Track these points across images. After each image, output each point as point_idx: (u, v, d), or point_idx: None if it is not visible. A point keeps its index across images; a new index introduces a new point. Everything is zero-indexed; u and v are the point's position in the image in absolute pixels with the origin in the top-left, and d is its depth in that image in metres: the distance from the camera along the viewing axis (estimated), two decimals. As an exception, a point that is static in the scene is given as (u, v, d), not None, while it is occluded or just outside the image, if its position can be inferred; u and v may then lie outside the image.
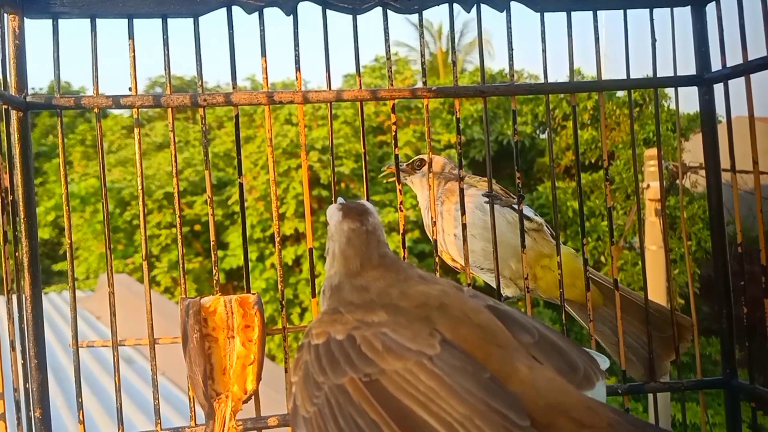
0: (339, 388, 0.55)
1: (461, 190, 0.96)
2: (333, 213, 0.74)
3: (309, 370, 0.59)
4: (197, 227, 8.86)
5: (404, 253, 0.92)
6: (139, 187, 0.89)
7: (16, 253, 0.82)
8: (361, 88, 0.94)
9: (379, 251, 0.70)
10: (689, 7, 1.02)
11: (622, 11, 0.99)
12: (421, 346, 0.56)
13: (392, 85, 0.95)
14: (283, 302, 0.93)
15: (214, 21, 0.92)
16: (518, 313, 0.67)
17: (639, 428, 0.54)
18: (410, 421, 0.51)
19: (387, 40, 0.94)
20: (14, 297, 0.78)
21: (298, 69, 0.93)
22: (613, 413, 0.53)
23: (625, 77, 1.00)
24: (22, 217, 0.84)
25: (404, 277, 0.67)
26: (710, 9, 1.01)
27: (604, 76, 1.00)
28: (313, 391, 0.57)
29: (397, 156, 0.95)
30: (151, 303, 0.89)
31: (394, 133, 0.95)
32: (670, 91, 1.11)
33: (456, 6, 0.95)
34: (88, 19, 0.89)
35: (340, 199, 0.78)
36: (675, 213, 6.42)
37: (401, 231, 0.94)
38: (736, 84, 0.93)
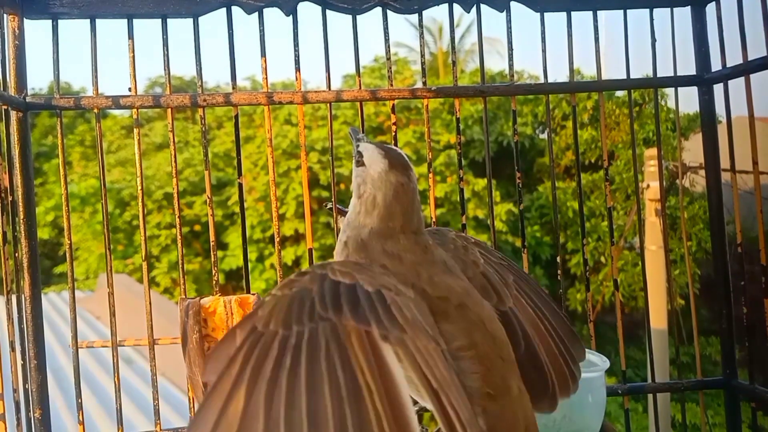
0: (336, 331, 0.45)
1: (460, 190, 0.96)
2: (375, 158, 0.65)
3: (310, 298, 0.49)
4: (197, 228, 8.86)
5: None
6: (139, 188, 0.89)
7: (16, 254, 0.82)
8: (360, 88, 0.94)
9: (418, 216, 0.66)
10: (689, 7, 1.02)
11: (622, 11, 0.99)
12: (436, 335, 0.52)
13: (392, 85, 0.95)
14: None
15: (213, 21, 0.92)
16: (520, 322, 0.66)
17: None
18: (404, 403, 0.43)
19: (387, 41, 0.94)
20: (14, 297, 0.78)
21: (297, 69, 0.93)
22: None
23: (624, 77, 1.00)
24: (22, 217, 0.84)
25: (431, 260, 0.63)
26: (710, 9, 1.01)
27: (604, 76, 1.00)
28: (300, 316, 0.47)
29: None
30: (150, 303, 0.89)
31: (394, 134, 0.95)
32: (669, 90, 1.11)
33: (456, 6, 0.95)
34: (88, 20, 0.89)
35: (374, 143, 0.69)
36: (675, 213, 6.43)
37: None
38: (736, 84, 0.93)
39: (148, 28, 0.93)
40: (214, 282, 0.89)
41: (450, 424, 0.45)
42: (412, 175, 0.66)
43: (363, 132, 0.95)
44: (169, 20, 0.91)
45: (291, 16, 0.92)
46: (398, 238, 0.63)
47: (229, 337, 0.47)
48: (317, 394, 0.42)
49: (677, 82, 1.01)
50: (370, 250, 0.62)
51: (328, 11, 0.93)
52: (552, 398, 0.62)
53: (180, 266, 0.89)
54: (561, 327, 0.68)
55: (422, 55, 0.96)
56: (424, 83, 0.96)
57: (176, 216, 0.90)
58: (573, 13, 0.98)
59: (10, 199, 0.77)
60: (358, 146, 0.68)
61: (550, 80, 0.98)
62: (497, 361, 0.57)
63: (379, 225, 0.63)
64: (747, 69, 0.91)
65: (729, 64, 0.95)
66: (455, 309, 0.58)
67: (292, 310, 0.48)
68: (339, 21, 0.95)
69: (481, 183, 7.91)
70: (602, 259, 7.65)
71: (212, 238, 0.91)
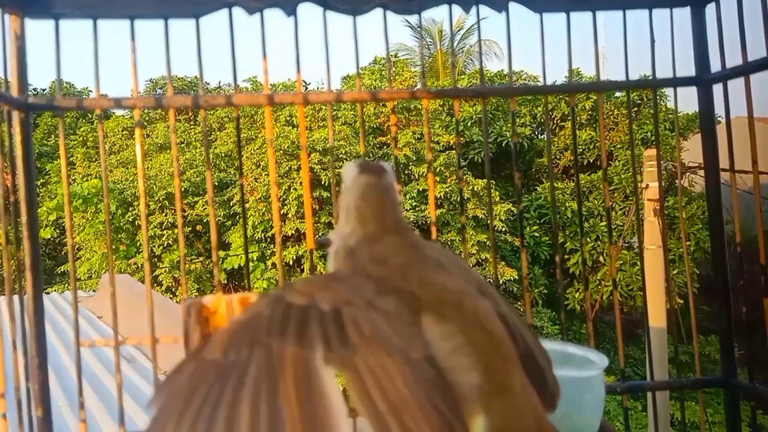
0: (269, 359, 0.44)
1: (460, 190, 0.97)
2: (350, 168, 0.69)
3: (256, 323, 0.48)
4: (199, 228, 8.87)
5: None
6: (141, 188, 0.90)
7: (18, 254, 0.83)
8: (361, 89, 0.94)
9: (394, 213, 0.66)
10: (689, 7, 1.02)
11: (621, 12, 0.99)
12: (408, 345, 0.50)
13: (392, 86, 0.96)
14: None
15: (215, 22, 0.92)
16: (514, 316, 0.65)
17: None
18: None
19: (387, 41, 0.95)
20: (16, 297, 0.79)
21: (298, 70, 0.93)
22: None
23: (624, 78, 1.00)
24: (24, 217, 0.84)
25: (422, 259, 0.62)
26: (710, 9, 1.01)
27: (603, 77, 1.00)
28: (239, 345, 0.46)
29: (396, 156, 0.96)
30: (152, 303, 0.89)
31: (394, 134, 0.96)
32: (668, 90, 1.12)
33: (456, 7, 0.96)
34: (90, 21, 0.89)
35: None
36: (674, 213, 6.43)
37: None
38: (736, 84, 0.93)
39: (149, 29, 0.93)
40: (215, 281, 0.90)
41: None
42: (384, 176, 0.67)
43: (363, 131, 0.96)
44: (170, 21, 0.91)
45: (292, 17, 0.92)
46: (386, 241, 0.63)
47: (180, 365, 0.47)
48: (234, 427, 0.40)
49: (676, 82, 1.02)
50: (357, 256, 0.62)
51: (328, 12, 0.93)
52: (551, 399, 0.61)
53: (182, 266, 0.90)
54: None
55: (422, 57, 0.97)
56: (424, 84, 0.96)
57: (178, 216, 0.90)
58: (572, 13, 0.98)
59: (12, 199, 0.78)
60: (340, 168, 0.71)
61: (549, 81, 0.99)
62: (497, 358, 0.57)
63: (363, 230, 0.64)
64: (746, 70, 0.91)
65: (728, 65, 0.95)
66: (450, 307, 0.57)
67: (236, 336, 0.47)
68: (339, 22, 0.96)
69: (480, 183, 7.91)
70: (601, 258, 7.66)
71: (214, 238, 0.92)
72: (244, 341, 0.47)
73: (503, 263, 7.83)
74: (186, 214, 8.63)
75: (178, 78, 11.58)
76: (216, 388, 0.43)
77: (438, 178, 8.12)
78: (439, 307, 0.57)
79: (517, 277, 7.55)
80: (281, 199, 8.04)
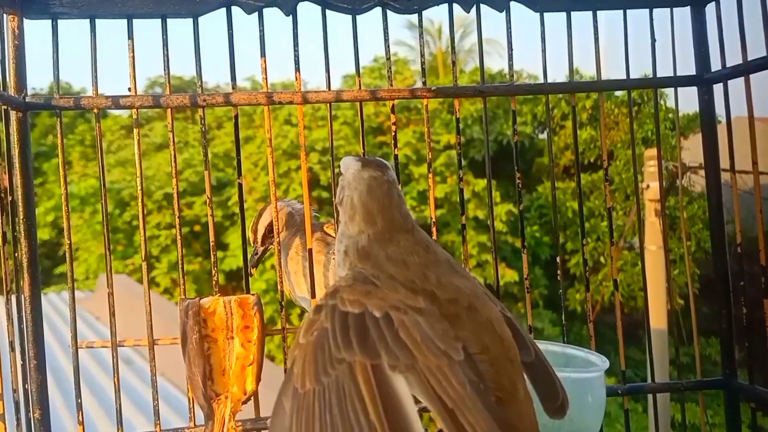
0: (352, 372, 0.48)
1: (460, 190, 0.96)
2: (350, 163, 0.68)
3: (327, 339, 0.51)
4: (197, 228, 8.86)
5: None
6: (139, 188, 0.89)
7: (16, 254, 0.82)
8: (360, 88, 0.94)
9: (401, 209, 0.65)
10: (689, 7, 1.02)
11: (621, 11, 0.99)
12: (449, 346, 0.51)
13: (392, 85, 0.95)
14: (283, 303, 0.92)
15: (213, 21, 0.92)
16: (521, 327, 0.65)
17: None
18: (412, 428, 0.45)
19: (387, 40, 0.94)
20: (13, 298, 0.78)
21: (297, 69, 0.93)
22: None
23: (624, 77, 1.00)
24: (22, 217, 0.83)
25: (435, 259, 0.62)
26: (710, 9, 1.01)
27: (603, 76, 1.00)
28: (324, 365, 0.49)
29: (396, 156, 0.95)
30: (150, 304, 0.89)
31: (393, 134, 0.95)
32: (668, 90, 1.11)
33: (456, 6, 0.95)
34: (88, 20, 0.89)
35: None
36: (674, 213, 6.43)
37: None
38: (736, 84, 0.93)
39: (147, 28, 0.93)
40: (213, 282, 0.89)
41: None
42: (387, 171, 0.67)
43: (363, 131, 0.95)
44: (168, 20, 0.91)
45: (291, 16, 0.92)
46: (398, 240, 0.63)
47: (278, 408, 0.50)
48: None
49: (677, 82, 1.01)
50: (373, 257, 0.61)
51: (327, 11, 0.93)
52: (561, 405, 0.61)
53: (180, 266, 0.89)
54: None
55: (422, 55, 0.96)
56: (424, 83, 0.96)
57: (176, 216, 0.90)
58: (573, 13, 0.98)
59: (9, 199, 0.77)
60: (339, 168, 0.70)
61: (549, 80, 0.98)
62: (506, 364, 0.56)
63: (370, 228, 0.64)
64: (747, 69, 0.91)
65: (729, 64, 0.95)
66: (465, 311, 0.57)
67: (317, 360, 0.50)
68: (339, 21, 0.95)
69: (481, 183, 7.91)
70: (602, 259, 7.65)
71: (212, 238, 0.91)
72: (326, 363, 0.49)
73: (504, 264, 7.84)
74: (184, 214, 8.62)
75: (176, 77, 11.58)
76: (327, 414, 0.46)
77: (438, 178, 8.12)
78: (456, 310, 0.57)
79: (517, 278, 7.56)
80: (280, 199, 8.02)
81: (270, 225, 1.01)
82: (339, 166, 0.73)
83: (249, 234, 0.93)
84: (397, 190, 0.67)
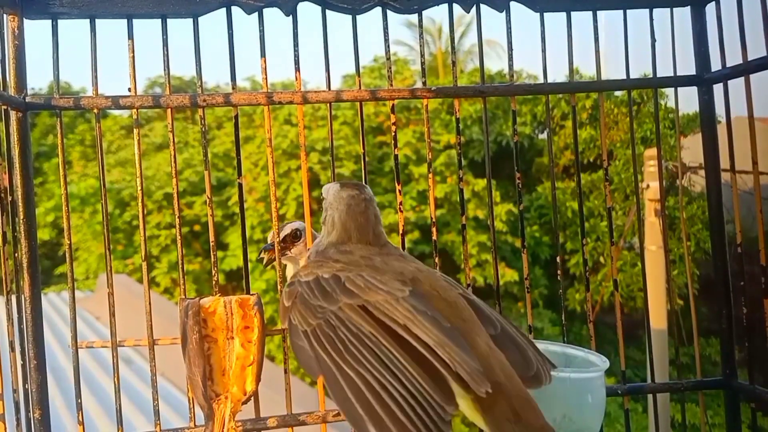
0: (334, 311, 0.62)
1: (460, 190, 0.96)
2: (330, 186, 0.78)
3: (304, 297, 0.65)
4: (197, 228, 8.86)
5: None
6: (139, 188, 0.89)
7: (16, 254, 0.82)
8: (360, 88, 0.94)
9: (375, 229, 0.75)
10: (689, 7, 1.02)
11: (621, 11, 0.99)
12: (393, 288, 0.63)
13: (392, 85, 0.95)
14: (283, 303, 0.92)
15: (213, 21, 0.92)
16: (486, 306, 0.70)
17: None
18: (396, 335, 0.57)
19: (386, 40, 0.94)
20: (14, 298, 0.78)
21: (297, 69, 0.93)
22: (546, 422, 0.57)
23: (624, 77, 1.00)
24: (22, 217, 0.83)
25: (386, 252, 0.73)
26: (710, 9, 1.01)
27: (603, 76, 1.00)
28: (311, 311, 0.63)
29: (396, 156, 0.95)
30: (150, 304, 0.89)
31: (393, 134, 0.95)
32: (668, 90, 1.11)
33: (456, 6, 0.95)
34: (88, 20, 0.88)
35: None
36: (674, 213, 6.43)
37: (401, 232, 0.94)
38: (736, 84, 0.93)
39: (147, 28, 0.93)
40: (214, 282, 0.89)
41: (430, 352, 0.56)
42: (364, 190, 0.76)
43: (363, 131, 0.95)
44: (168, 20, 0.91)
45: (291, 16, 0.92)
46: (350, 243, 0.73)
47: (297, 349, 0.63)
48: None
49: (677, 82, 1.01)
50: (325, 253, 0.73)
51: (327, 11, 0.93)
52: (536, 374, 0.63)
53: (180, 266, 0.89)
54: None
55: (422, 55, 0.96)
56: (424, 83, 0.96)
57: (176, 216, 0.90)
58: (573, 13, 0.98)
59: (9, 199, 0.77)
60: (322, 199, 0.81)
61: (549, 80, 0.98)
62: (457, 321, 0.62)
63: (335, 238, 0.74)
64: (747, 69, 0.91)
65: (729, 64, 0.95)
66: (410, 281, 0.65)
67: (307, 309, 0.64)
68: (339, 21, 0.95)
69: (480, 183, 7.91)
70: (601, 259, 7.65)
71: (212, 238, 0.91)
72: (312, 309, 0.64)
73: (504, 264, 7.84)
74: (184, 214, 8.62)
75: (176, 77, 11.58)
76: (335, 331, 0.60)
77: (438, 178, 8.12)
78: (400, 278, 0.66)
79: (517, 278, 7.56)
80: (280, 199, 8.03)
81: (295, 232, 1.11)
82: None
83: (273, 229, 0.96)
84: (374, 209, 0.76)
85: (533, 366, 0.64)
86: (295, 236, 1.12)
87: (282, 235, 1.10)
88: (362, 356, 0.56)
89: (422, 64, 0.96)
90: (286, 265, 1.09)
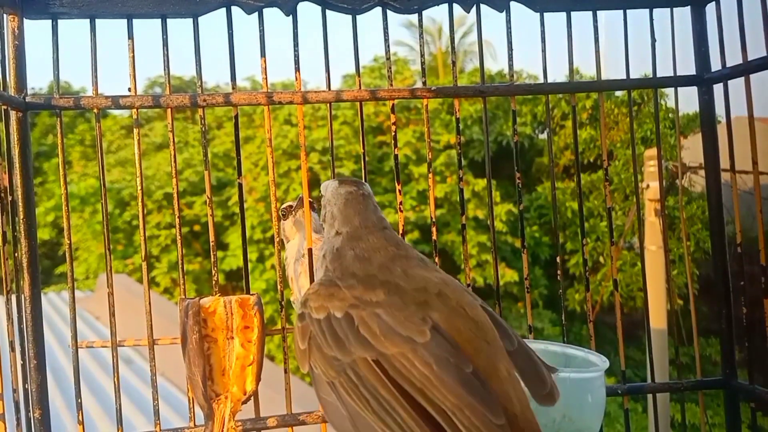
0: (350, 364, 0.58)
1: (460, 190, 0.96)
2: (328, 184, 0.78)
3: (318, 342, 0.61)
4: (197, 228, 8.86)
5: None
6: (139, 188, 0.89)
7: (16, 254, 0.82)
8: (360, 88, 0.94)
9: (376, 214, 0.73)
10: (689, 7, 1.02)
11: (621, 11, 0.99)
12: (411, 332, 0.58)
13: (392, 85, 0.95)
14: (283, 303, 0.92)
15: (213, 21, 0.92)
16: (504, 321, 0.68)
17: None
18: (412, 401, 0.54)
19: (387, 40, 0.94)
20: (14, 297, 0.78)
21: (297, 69, 0.93)
22: None
23: (624, 77, 1.00)
24: (22, 217, 0.83)
25: (405, 254, 0.68)
26: (710, 9, 1.01)
27: (603, 76, 1.00)
28: (329, 363, 0.60)
29: (396, 156, 0.95)
30: (150, 303, 0.89)
31: (393, 134, 0.95)
32: (668, 90, 1.11)
33: (456, 6, 0.95)
34: (88, 20, 0.88)
35: None
36: (674, 213, 6.43)
37: (401, 232, 0.94)
38: (736, 84, 0.93)
39: (147, 28, 0.93)
40: (213, 282, 0.89)
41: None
42: (362, 186, 0.76)
43: (363, 131, 0.95)
44: (168, 20, 0.91)
45: (291, 16, 0.92)
46: (368, 238, 0.69)
47: (325, 404, 0.62)
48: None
49: (677, 82, 1.01)
50: (343, 257, 0.68)
51: (327, 11, 0.93)
52: (550, 392, 0.63)
53: (180, 266, 0.89)
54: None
55: (422, 55, 0.96)
56: (424, 83, 0.96)
57: (176, 216, 0.90)
58: (573, 13, 0.98)
59: (9, 198, 0.77)
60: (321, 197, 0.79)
61: (549, 80, 0.98)
62: (482, 344, 0.60)
63: (344, 229, 0.71)
64: (747, 69, 0.91)
65: (729, 64, 0.95)
66: (435, 297, 0.62)
67: (324, 358, 0.61)
68: (339, 21, 0.95)
69: (480, 183, 7.91)
70: (601, 259, 7.65)
71: (212, 238, 0.91)
72: (329, 359, 0.60)
73: (504, 264, 7.84)
74: (184, 214, 8.62)
75: (176, 77, 11.58)
76: (355, 389, 0.58)
77: (438, 178, 8.12)
78: (424, 297, 0.62)
79: (517, 278, 7.56)
80: (280, 199, 8.03)
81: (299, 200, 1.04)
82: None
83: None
84: (373, 201, 0.75)
85: (547, 384, 0.63)
86: (287, 210, 1.05)
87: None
88: (380, 421, 0.55)
89: (422, 64, 0.96)
90: (286, 261, 1.07)
